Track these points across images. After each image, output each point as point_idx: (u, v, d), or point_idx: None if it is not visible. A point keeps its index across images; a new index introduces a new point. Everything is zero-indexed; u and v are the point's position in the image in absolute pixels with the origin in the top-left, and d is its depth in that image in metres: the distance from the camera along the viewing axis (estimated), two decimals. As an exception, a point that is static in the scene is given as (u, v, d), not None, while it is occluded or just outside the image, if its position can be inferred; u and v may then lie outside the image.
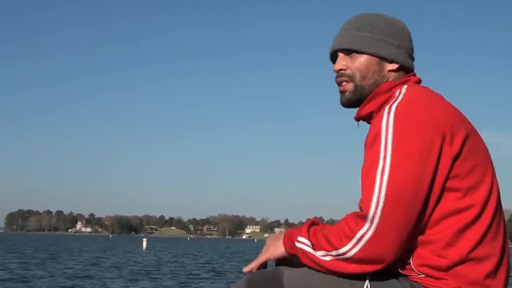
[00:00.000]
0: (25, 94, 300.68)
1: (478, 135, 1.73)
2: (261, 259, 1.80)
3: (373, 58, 1.78)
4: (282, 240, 1.76)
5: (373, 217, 1.55)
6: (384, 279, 1.64)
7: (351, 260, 1.59)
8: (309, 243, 1.66)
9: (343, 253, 1.59)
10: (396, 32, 1.80)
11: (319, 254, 1.63)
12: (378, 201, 1.55)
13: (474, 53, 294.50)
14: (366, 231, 1.56)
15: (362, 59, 1.78)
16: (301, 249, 1.67)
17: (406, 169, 1.55)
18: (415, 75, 1.82)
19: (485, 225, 1.62)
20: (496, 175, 1.73)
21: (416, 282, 1.62)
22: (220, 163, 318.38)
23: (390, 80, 1.78)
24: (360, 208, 1.60)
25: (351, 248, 1.58)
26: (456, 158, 1.60)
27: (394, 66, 1.78)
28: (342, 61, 1.81)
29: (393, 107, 1.62)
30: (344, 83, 1.81)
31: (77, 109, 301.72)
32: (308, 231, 1.69)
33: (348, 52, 1.80)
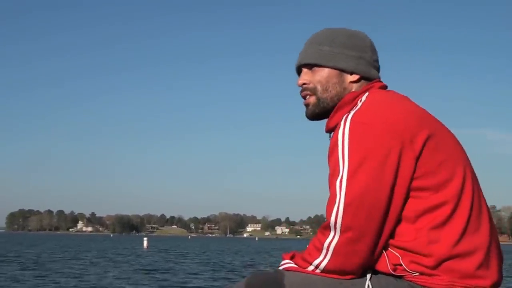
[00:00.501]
0: (25, 95, 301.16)
1: (447, 131, 1.76)
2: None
3: (333, 70, 1.83)
4: None
5: (335, 225, 1.59)
6: (384, 279, 1.66)
7: (326, 271, 1.64)
8: (292, 263, 1.73)
9: (317, 265, 1.64)
10: (357, 44, 1.84)
11: (309, 268, 1.68)
12: (338, 209, 1.59)
13: (474, 53, 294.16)
14: (332, 240, 1.61)
15: (322, 72, 1.83)
16: (285, 267, 1.73)
17: (363, 175, 1.58)
18: (379, 81, 1.86)
19: (464, 219, 1.64)
20: (473, 168, 1.76)
21: (412, 281, 1.64)
22: (220, 162, 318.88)
23: (352, 90, 1.82)
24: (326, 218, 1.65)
25: (322, 259, 1.63)
26: (418, 157, 1.62)
27: (355, 77, 1.82)
28: (305, 75, 1.87)
29: (349, 116, 1.66)
30: (308, 96, 1.86)
31: (77, 109, 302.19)
32: (290, 257, 1.76)
33: (310, 66, 1.86)
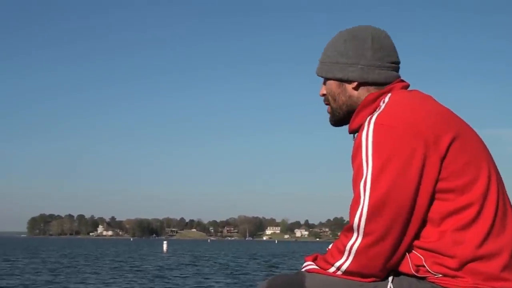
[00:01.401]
0: (47, 101, 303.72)
1: (472, 132, 1.74)
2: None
3: (335, 81, 1.85)
4: None
5: (358, 227, 1.60)
6: (406, 280, 1.66)
7: (347, 273, 1.64)
8: (314, 265, 1.73)
9: (339, 267, 1.65)
10: (351, 49, 1.81)
11: (330, 270, 1.68)
12: (361, 212, 1.59)
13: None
14: (354, 242, 1.61)
15: (329, 84, 1.87)
16: (308, 270, 1.74)
17: (387, 177, 1.58)
18: (401, 81, 1.83)
19: (489, 221, 1.63)
20: (497, 169, 1.74)
21: (435, 282, 1.63)
22: (239, 166, 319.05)
23: (363, 96, 1.81)
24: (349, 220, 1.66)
25: (344, 261, 1.63)
26: (443, 158, 1.61)
27: (353, 84, 1.82)
28: (322, 86, 1.90)
29: (373, 118, 1.66)
30: (327, 106, 1.91)
31: (98, 115, 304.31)
32: (312, 259, 1.76)
33: (324, 78, 1.90)
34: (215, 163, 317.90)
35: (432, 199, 1.62)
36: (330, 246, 1.72)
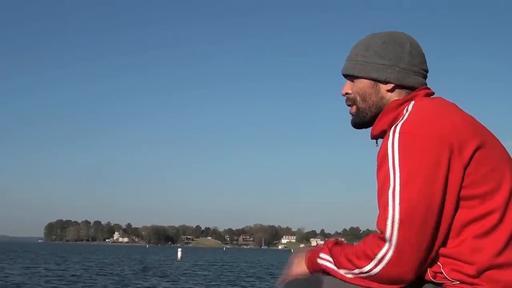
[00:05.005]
0: (68, 113, 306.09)
1: (495, 140, 1.74)
2: (284, 277, 1.84)
3: (367, 81, 1.83)
4: (304, 259, 1.81)
5: (391, 237, 1.58)
6: (423, 287, 1.67)
7: (372, 278, 1.63)
8: (331, 259, 1.71)
9: (365, 272, 1.63)
10: (391, 51, 1.81)
11: (342, 271, 1.68)
12: (393, 221, 1.58)
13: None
14: (386, 252, 1.59)
15: (360, 83, 1.84)
16: (324, 265, 1.73)
17: (415, 185, 1.58)
18: (425, 88, 1.83)
19: (509, 229, 1.62)
20: None
21: None
22: (255, 175, 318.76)
23: (393, 99, 1.80)
24: (378, 229, 1.64)
25: (372, 268, 1.62)
26: (467, 166, 1.62)
27: (389, 86, 1.81)
28: (347, 85, 1.89)
29: (398, 126, 1.66)
30: (350, 106, 1.89)
31: (118, 126, 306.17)
32: (330, 249, 1.74)
33: (350, 77, 1.88)
34: (232, 171, 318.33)
35: (456, 207, 1.62)
36: (356, 243, 1.72)
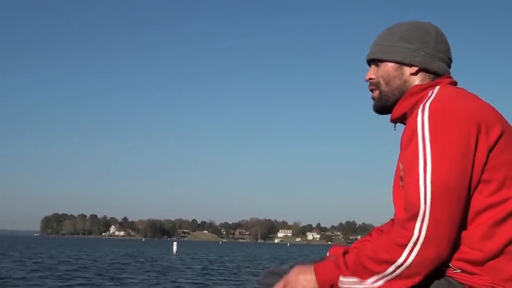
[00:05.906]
0: (69, 109, 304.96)
1: None
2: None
3: (392, 64, 1.84)
4: (315, 281, 1.70)
5: (424, 213, 1.55)
6: None
7: (408, 271, 1.56)
8: (355, 279, 1.64)
9: (400, 264, 1.57)
10: (416, 36, 1.83)
11: (369, 281, 1.61)
12: (425, 196, 1.56)
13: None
14: (420, 231, 1.55)
15: (384, 67, 1.86)
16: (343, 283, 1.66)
17: (448, 161, 1.57)
18: (449, 77, 1.84)
19: None
20: None
21: (451, 277, 1.61)
22: (252, 169, 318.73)
23: (415, 83, 1.82)
24: (405, 209, 1.60)
25: (408, 255, 1.56)
26: (491, 150, 1.61)
27: (413, 69, 1.82)
28: (371, 70, 1.91)
29: (427, 104, 1.66)
30: (373, 91, 1.90)
31: (123, 123, 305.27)
32: (346, 266, 1.66)
33: (375, 62, 1.89)
34: (228, 165, 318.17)
35: (476, 188, 1.61)
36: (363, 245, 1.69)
